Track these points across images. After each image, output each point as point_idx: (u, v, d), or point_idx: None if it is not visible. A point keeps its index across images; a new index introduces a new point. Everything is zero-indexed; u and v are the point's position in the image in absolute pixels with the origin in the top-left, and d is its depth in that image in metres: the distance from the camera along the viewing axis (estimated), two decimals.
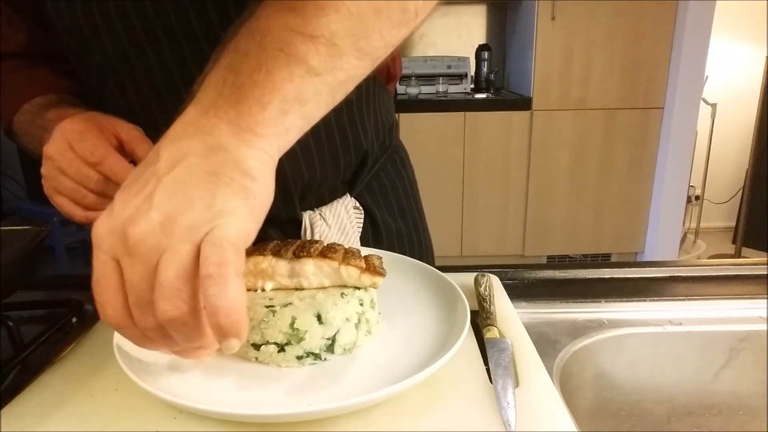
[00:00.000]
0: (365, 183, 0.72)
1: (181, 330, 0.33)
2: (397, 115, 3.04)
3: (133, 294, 0.32)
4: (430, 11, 0.43)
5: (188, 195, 0.32)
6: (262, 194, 0.34)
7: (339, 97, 0.39)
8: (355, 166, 0.70)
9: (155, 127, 0.58)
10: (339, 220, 0.69)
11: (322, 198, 0.69)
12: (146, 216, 0.31)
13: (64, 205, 0.52)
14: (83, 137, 0.50)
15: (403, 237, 0.77)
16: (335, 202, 0.69)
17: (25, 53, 0.63)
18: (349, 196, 0.71)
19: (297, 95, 0.35)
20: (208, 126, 0.34)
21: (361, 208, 0.72)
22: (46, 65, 0.64)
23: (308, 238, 0.67)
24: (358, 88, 0.65)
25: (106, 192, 0.52)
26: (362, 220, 0.72)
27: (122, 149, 0.53)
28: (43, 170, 0.51)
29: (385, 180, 0.76)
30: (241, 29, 0.37)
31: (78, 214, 0.53)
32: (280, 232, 0.68)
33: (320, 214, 0.68)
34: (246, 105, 0.34)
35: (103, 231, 0.33)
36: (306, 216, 0.68)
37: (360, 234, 0.72)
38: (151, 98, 0.58)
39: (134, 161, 0.53)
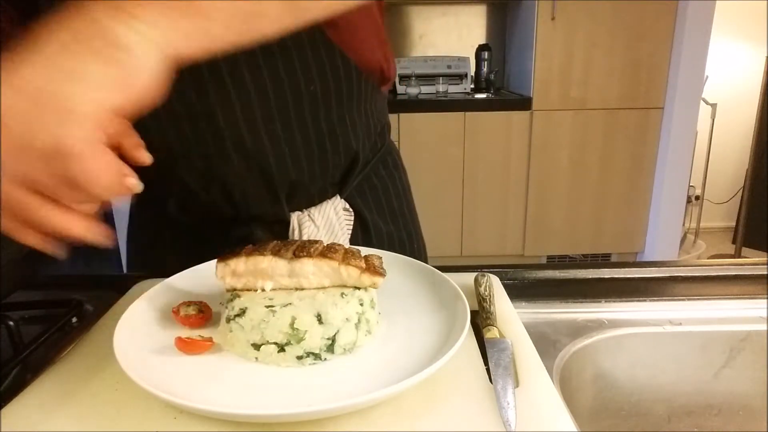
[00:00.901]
0: (356, 185, 0.72)
1: (63, 191, 0.33)
2: (397, 115, 3.01)
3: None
4: None
5: (50, 62, 0.31)
6: (138, 73, 0.33)
7: (247, 29, 0.38)
8: (345, 167, 0.70)
9: (144, 125, 0.58)
10: (328, 221, 0.69)
11: (312, 199, 0.68)
12: (12, 86, 0.31)
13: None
14: None
15: (393, 240, 0.76)
16: (324, 204, 0.69)
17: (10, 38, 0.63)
18: (339, 197, 0.70)
19: (194, 1, 0.34)
20: (83, 10, 0.33)
21: (350, 210, 0.72)
22: None
23: (296, 238, 0.67)
24: (349, 89, 0.64)
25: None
26: (352, 222, 0.72)
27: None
28: None
29: (377, 182, 0.75)
30: None
31: None
32: (268, 231, 0.68)
33: (309, 215, 0.68)
34: None
35: None
36: (294, 216, 0.67)
37: (350, 236, 0.71)
38: None
39: (120, 154, 0.53)
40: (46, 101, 0.31)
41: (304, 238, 0.67)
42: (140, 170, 0.78)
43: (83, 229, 0.36)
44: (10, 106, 0.31)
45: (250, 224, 0.67)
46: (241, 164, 0.62)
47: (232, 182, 0.64)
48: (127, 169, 0.51)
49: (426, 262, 0.83)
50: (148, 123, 0.59)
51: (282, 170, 0.64)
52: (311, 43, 0.59)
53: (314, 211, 0.68)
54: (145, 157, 0.54)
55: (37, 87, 0.31)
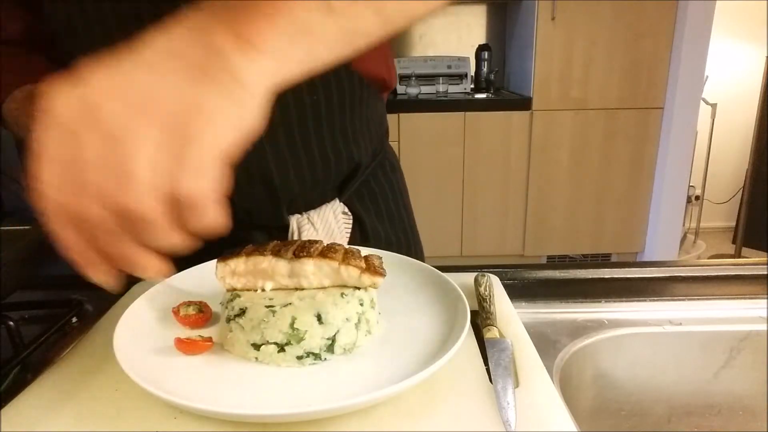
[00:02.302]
0: (354, 189, 0.72)
1: (143, 227, 0.29)
2: (397, 115, 3.01)
3: (83, 172, 0.28)
4: None
5: (169, 80, 0.29)
6: (251, 111, 0.31)
7: (346, 49, 0.37)
8: (346, 173, 0.70)
9: None
10: (327, 224, 0.69)
11: (311, 203, 0.68)
12: (121, 90, 0.28)
13: None
14: None
15: (391, 243, 0.76)
16: (324, 207, 0.69)
17: (20, 40, 0.63)
18: (338, 201, 0.70)
19: (306, 24, 0.32)
20: (200, 22, 0.30)
21: (349, 213, 0.72)
22: (40, 53, 0.64)
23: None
24: (352, 99, 0.64)
25: None
26: (350, 225, 0.72)
27: None
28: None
29: (375, 186, 0.75)
30: None
31: None
32: (266, 234, 0.67)
33: (308, 218, 0.68)
34: (248, 13, 0.30)
35: (66, 99, 0.28)
36: (294, 220, 0.67)
37: (348, 240, 0.72)
38: None
39: None
40: (171, 134, 0.28)
41: None
42: None
43: (159, 267, 0.33)
44: (131, 117, 0.28)
45: (248, 228, 0.67)
46: (243, 176, 0.62)
47: (234, 193, 0.64)
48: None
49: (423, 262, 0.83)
50: None
51: (285, 183, 0.64)
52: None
53: (314, 214, 0.68)
54: None
55: (160, 111, 0.28)
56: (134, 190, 0.28)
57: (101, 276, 0.33)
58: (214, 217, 0.30)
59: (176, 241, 0.31)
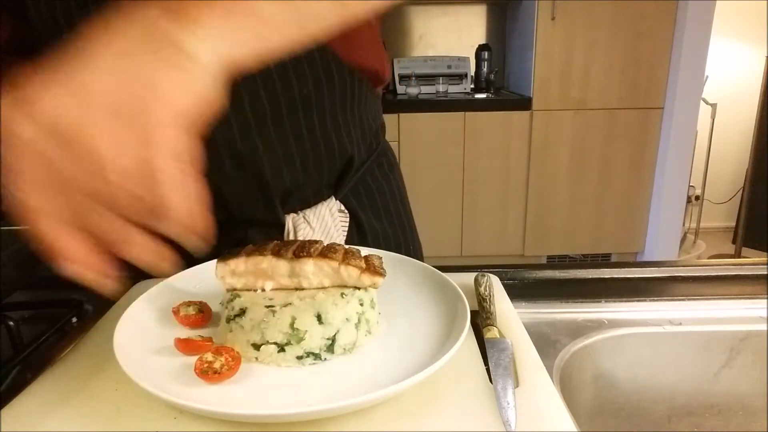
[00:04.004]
0: (351, 186, 0.72)
1: (143, 214, 0.30)
2: (397, 115, 3.00)
3: (63, 180, 0.29)
4: None
5: (117, 70, 0.29)
6: (202, 80, 0.31)
7: (299, 33, 0.37)
8: (340, 170, 0.69)
9: None
10: (323, 222, 0.69)
11: (307, 201, 0.68)
12: (71, 98, 0.29)
13: None
14: None
15: (389, 240, 0.76)
16: (320, 205, 0.69)
17: (4, 47, 0.63)
18: (334, 198, 0.70)
19: (252, 6, 0.33)
20: (139, 13, 0.31)
21: (346, 211, 0.71)
22: (26, 60, 0.64)
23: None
24: (343, 92, 0.63)
25: None
26: (347, 223, 0.72)
27: None
28: None
29: (372, 183, 0.75)
30: None
31: None
32: (262, 234, 0.67)
33: (304, 217, 0.68)
34: None
35: (22, 123, 0.29)
36: (289, 218, 0.67)
37: (345, 237, 0.71)
38: None
39: None
40: (126, 115, 0.29)
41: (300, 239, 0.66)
42: None
43: (156, 255, 0.34)
44: (84, 115, 0.29)
45: (244, 227, 0.67)
46: (235, 170, 0.62)
47: (226, 188, 0.64)
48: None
49: (422, 261, 0.83)
50: None
51: (276, 176, 0.63)
52: (304, 47, 0.59)
53: (309, 212, 0.68)
54: None
55: (111, 98, 0.29)
56: (108, 173, 0.29)
57: (98, 277, 0.33)
58: (192, 191, 0.30)
59: (170, 224, 0.31)
